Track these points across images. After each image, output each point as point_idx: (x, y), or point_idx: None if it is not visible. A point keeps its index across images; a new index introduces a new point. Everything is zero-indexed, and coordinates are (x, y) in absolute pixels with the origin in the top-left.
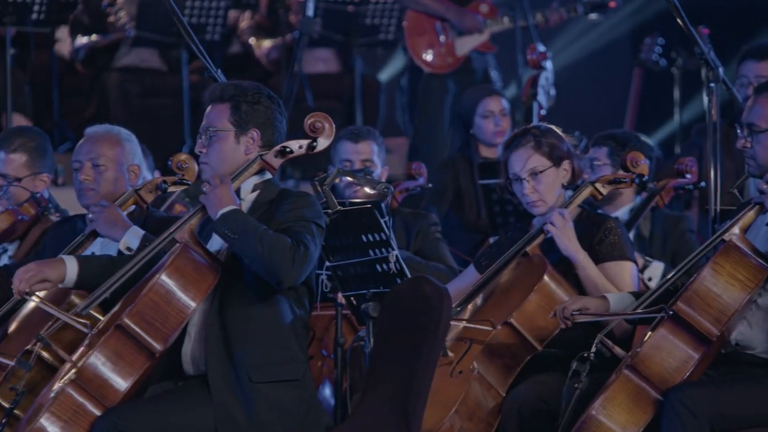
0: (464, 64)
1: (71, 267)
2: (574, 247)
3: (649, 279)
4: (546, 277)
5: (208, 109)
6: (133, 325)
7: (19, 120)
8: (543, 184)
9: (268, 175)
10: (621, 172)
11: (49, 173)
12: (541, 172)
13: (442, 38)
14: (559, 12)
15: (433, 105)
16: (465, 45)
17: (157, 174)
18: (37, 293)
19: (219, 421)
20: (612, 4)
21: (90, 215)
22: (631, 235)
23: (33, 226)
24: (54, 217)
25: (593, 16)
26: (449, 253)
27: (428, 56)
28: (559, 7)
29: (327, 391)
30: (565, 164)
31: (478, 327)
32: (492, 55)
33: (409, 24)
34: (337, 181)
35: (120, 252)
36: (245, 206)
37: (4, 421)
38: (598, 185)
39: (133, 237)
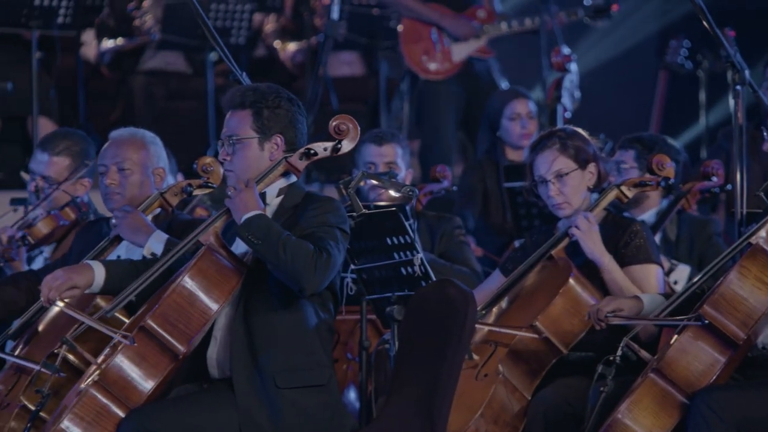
0: (466, 68)
1: (99, 272)
2: (599, 250)
3: (675, 282)
4: (571, 281)
5: (229, 115)
6: (156, 327)
7: (44, 123)
8: (568, 187)
9: (293, 178)
10: (647, 175)
11: (90, 178)
12: (566, 174)
13: (437, 45)
14: (559, 16)
15: (433, 110)
16: (462, 50)
17: (179, 177)
18: (65, 300)
19: (244, 425)
20: (615, 7)
21: (114, 220)
22: (658, 238)
23: (71, 230)
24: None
25: (598, 22)
26: (473, 256)
27: (425, 63)
28: (558, 11)
29: (352, 395)
30: (591, 167)
31: (522, 334)
32: (494, 59)
33: (405, 31)
34: (361, 184)
35: (144, 257)
36: (270, 211)
37: (29, 423)
38: (623, 188)
39: (156, 242)
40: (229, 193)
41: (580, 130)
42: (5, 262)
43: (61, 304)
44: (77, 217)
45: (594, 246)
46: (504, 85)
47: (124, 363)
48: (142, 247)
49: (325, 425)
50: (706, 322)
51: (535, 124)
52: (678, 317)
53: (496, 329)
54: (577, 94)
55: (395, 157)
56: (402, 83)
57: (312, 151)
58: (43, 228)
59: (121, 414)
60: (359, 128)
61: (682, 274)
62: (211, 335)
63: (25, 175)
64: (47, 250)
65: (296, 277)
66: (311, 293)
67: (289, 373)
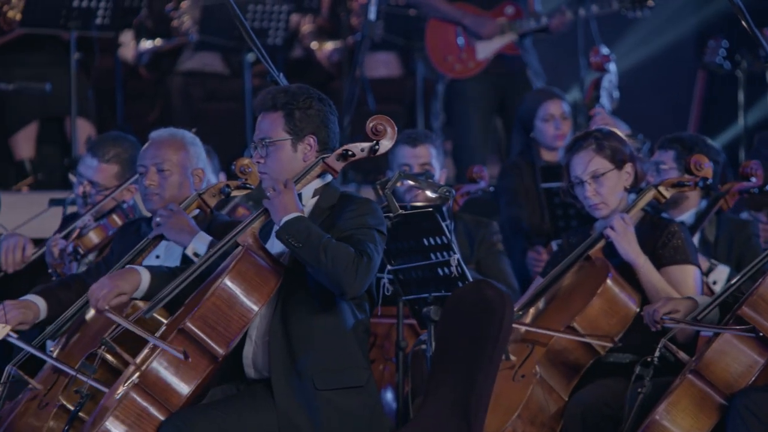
0: (497, 66)
1: (144, 277)
2: (634, 251)
3: (714, 283)
4: (609, 281)
5: (260, 118)
6: (196, 330)
7: (82, 124)
8: (605, 187)
9: (329, 178)
10: (685, 176)
11: (136, 183)
12: (602, 174)
13: (462, 43)
14: (565, 14)
15: (462, 109)
16: (486, 49)
17: (222, 176)
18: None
19: (283, 428)
20: (650, 3)
21: (157, 218)
22: (696, 239)
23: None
24: None
25: (637, 12)
26: (510, 268)
27: (449, 62)
28: (565, 11)
29: (389, 396)
30: (628, 167)
31: (559, 335)
32: (533, 56)
33: (430, 30)
34: (398, 184)
35: (185, 257)
36: (306, 211)
37: (68, 424)
38: (661, 188)
39: (200, 243)
40: (268, 194)
41: (616, 130)
42: (57, 276)
43: (112, 315)
44: (124, 223)
45: (629, 247)
46: (538, 82)
47: (163, 366)
48: (185, 247)
49: (365, 426)
50: (760, 334)
51: (569, 125)
52: (732, 326)
53: (533, 329)
54: (616, 94)
55: (430, 158)
56: (438, 83)
57: (350, 152)
58: (93, 238)
59: (161, 417)
60: (396, 129)
61: (721, 274)
62: (247, 335)
63: (72, 177)
64: (91, 255)
65: (337, 281)
66: (352, 297)
67: (328, 374)
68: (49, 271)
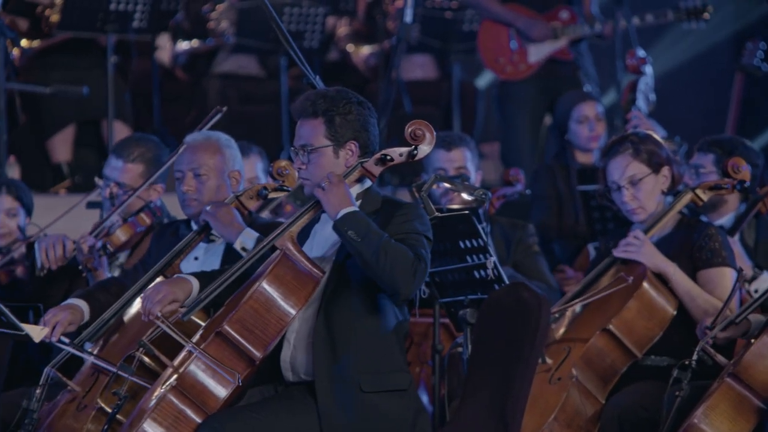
0: (548, 70)
1: (195, 285)
2: (661, 262)
3: (755, 291)
4: (645, 284)
5: (300, 123)
6: (233, 333)
7: (119, 127)
8: (642, 192)
9: (368, 183)
10: (723, 179)
11: (163, 183)
12: (640, 179)
13: (514, 46)
14: (646, 18)
15: (511, 112)
16: (539, 52)
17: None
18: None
19: (326, 430)
20: (706, 15)
21: (207, 207)
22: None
23: (146, 236)
24: None
25: (692, 24)
26: (548, 268)
27: (500, 64)
28: (620, 18)
29: (425, 398)
30: (665, 170)
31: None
32: (588, 61)
33: (482, 32)
34: (434, 187)
35: (224, 259)
36: None
37: (107, 425)
38: (698, 191)
39: (248, 238)
40: (323, 185)
41: (652, 133)
42: (88, 272)
43: (162, 323)
44: (152, 222)
45: (654, 259)
46: (588, 87)
47: (200, 368)
48: (231, 242)
49: (408, 429)
50: None
51: (604, 126)
52: None
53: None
54: (652, 96)
55: (465, 161)
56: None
57: (388, 157)
58: (121, 236)
59: (198, 420)
60: (435, 133)
61: (764, 283)
62: (285, 338)
63: (99, 181)
64: (122, 256)
65: (395, 281)
66: (405, 299)
67: (373, 376)
68: (80, 267)
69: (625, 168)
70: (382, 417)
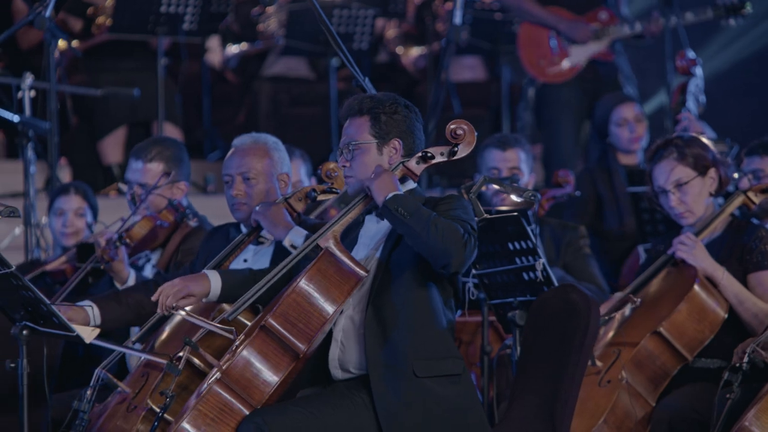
0: (589, 72)
1: (215, 281)
2: (710, 266)
3: None
4: (696, 287)
5: (347, 123)
6: (277, 326)
7: (169, 129)
8: (689, 195)
9: (411, 184)
10: None
11: (186, 181)
12: (686, 183)
13: (555, 48)
14: (685, 17)
15: (552, 114)
16: (580, 54)
17: (313, 180)
18: (181, 308)
19: (382, 418)
20: (745, 11)
21: (258, 207)
22: None
23: (173, 233)
24: (192, 223)
25: (730, 20)
26: (599, 271)
27: (542, 66)
28: (659, 17)
29: None
30: (711, 173)
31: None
32: (624, 61)
33: (523, 34)
34: (483, 188)
35: (273, 261)
36: None
37: (156, 423)
38: (750, 194)
39: (297, 236)
40: (372, 175)
41: (698, 136)
42: (106, 263)
43: (182, 312)
44: (175, 218)
45: (704, 262)
46: (629, 87)
47: (246, 361)
48: (280, 240)
49: (461, 416)
50: None
51: (644, 127)
52: None
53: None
54: (702, 98)
55: (518, 162)
56: (526, 87)
57: (429, 155)
58: (140, 229)
59: (245, 411)
60: (476, 132)
61: None
62: (332, 336)
63: (123, 186)
64: (154, 258)
65: (445, 251)
66: (455, 271)
67: (426, 362)
68: (97, 255)
69: (670, 172)
70: (437, 402)
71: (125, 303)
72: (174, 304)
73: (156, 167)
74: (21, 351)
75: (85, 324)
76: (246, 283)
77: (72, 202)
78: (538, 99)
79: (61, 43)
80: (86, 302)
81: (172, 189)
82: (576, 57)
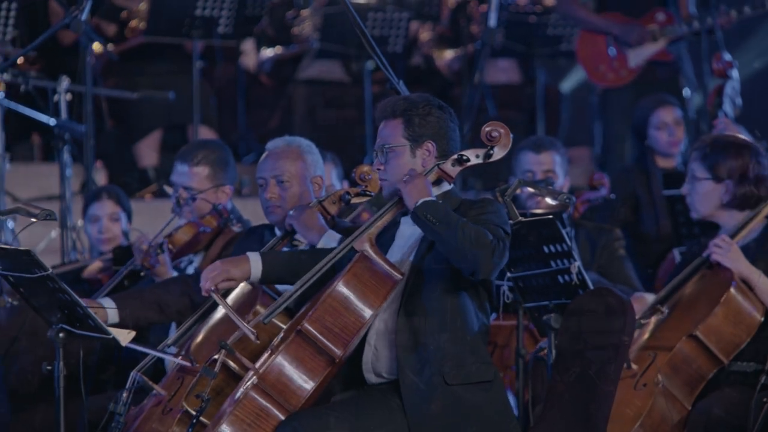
0: (648, 75)
1: (255, 264)
2: (745, 268)
3: None
4: (732, 290)
5: (381, 126)
6: (313, 330)
7: (205, 132)
8: (698, 194)
9: (447, 186)
10: None
11: (232, 185)
12: (698, 180)
13: (613, 52)
14: (729, 16)
15: (612, 119)
16: (638, 56)
17: (345, 184)
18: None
19: (412, 423)
20: None
21: (291, 211)
22: None
23: (216, 238)
24: (236, 228)
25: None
26: (635, 273)
27: (601, 71)
28: (728, 10)
29: None
30: (728, 184)
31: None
32: (687, 62)
33: (581, 40)
34: (518, 191)
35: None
36: None
37: (190, 428)
38: None
39: (331, 240)
40: (405, 179)
41: (734, 137)
42: (146, 270)
43: (216, 296)
44: (219, 223)
45: (740, 264)
46: (686, 91)
47: (282, 366)
48: (314, 244)
49: (493, 422)
50: None
51: (683, 130)
52: None
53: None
54: (739, 101)
55: (553, 165)
56: (590, 94)
57: (464, 157)
58: (183, 235)
59: (281, 416)
60: (511, 134)
61: None
62: (366, 341)
63: (168, 189)
64: (197, 260)
65: (474, 258)
66: (484, 277)
67: (458, 369)
68: (137, 263)
69: (689, 167)
70: (468, 409)
71: (147, 300)
72: (213, 287)
73: (201, 171)
74: (57, 353)
75: (103, 321)
76: (287, 264)
77: (105, 208)
78: (600, 105)
79: (97, 47)
80: (106, 299)
81: (217, 193)
82: (635, 59)
